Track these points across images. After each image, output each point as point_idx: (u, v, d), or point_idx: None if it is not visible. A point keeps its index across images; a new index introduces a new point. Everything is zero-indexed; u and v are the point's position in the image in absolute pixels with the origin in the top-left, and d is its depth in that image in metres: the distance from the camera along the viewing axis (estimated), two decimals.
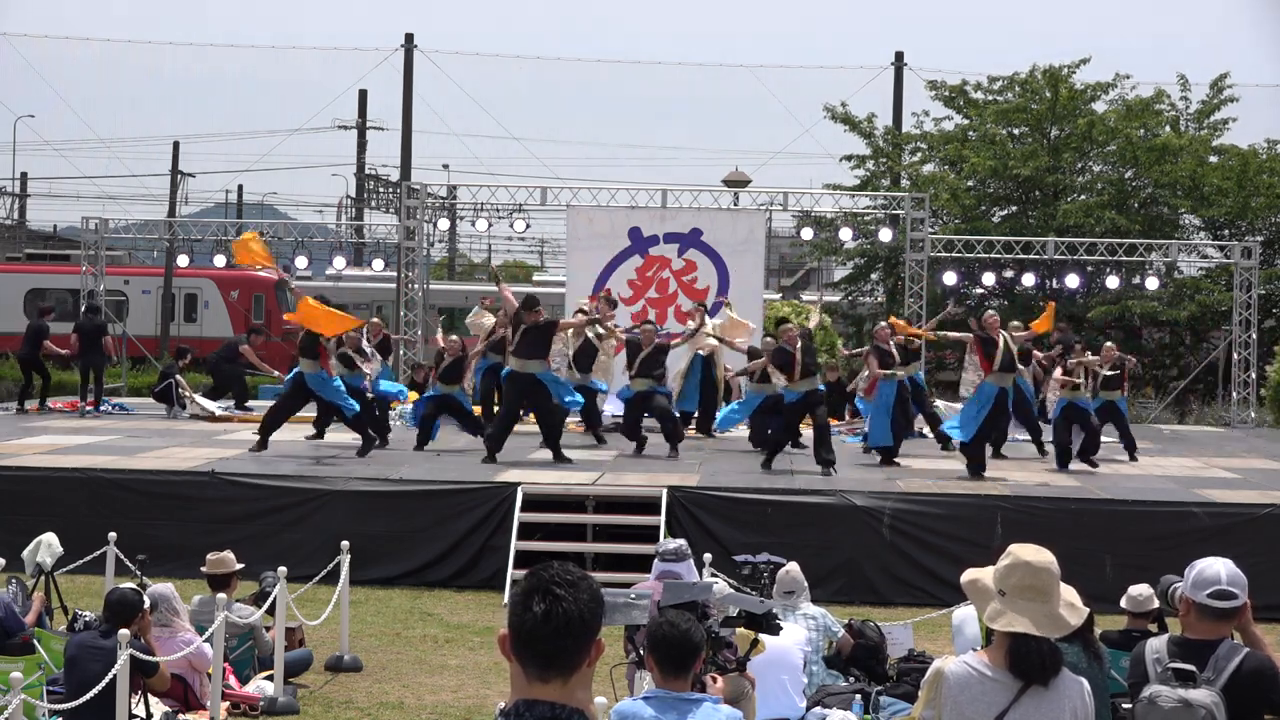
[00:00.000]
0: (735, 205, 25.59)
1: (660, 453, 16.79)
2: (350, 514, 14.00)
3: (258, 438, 16.14)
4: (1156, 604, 9.25)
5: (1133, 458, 17.85)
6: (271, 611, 10.05)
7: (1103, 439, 17.16)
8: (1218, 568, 5.15)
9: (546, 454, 16.53)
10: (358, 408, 16.36)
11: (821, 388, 16.17)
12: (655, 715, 5.40)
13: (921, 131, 34.45)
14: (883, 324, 18.06)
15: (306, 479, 14.66)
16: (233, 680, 9.65)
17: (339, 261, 28.50)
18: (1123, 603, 9.46)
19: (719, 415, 18.97)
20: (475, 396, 18.45)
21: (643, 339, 17.75)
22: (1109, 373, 17.53)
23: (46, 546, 10.70)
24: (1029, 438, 18.08)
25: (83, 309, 23.61)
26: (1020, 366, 16.34)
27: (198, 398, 21.88)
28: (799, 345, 15.68)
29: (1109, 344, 18.54)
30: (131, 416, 21.83)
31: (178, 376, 21.87)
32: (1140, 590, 9.36)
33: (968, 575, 4.64)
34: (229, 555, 10.22)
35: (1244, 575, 5.19)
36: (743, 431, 19.96)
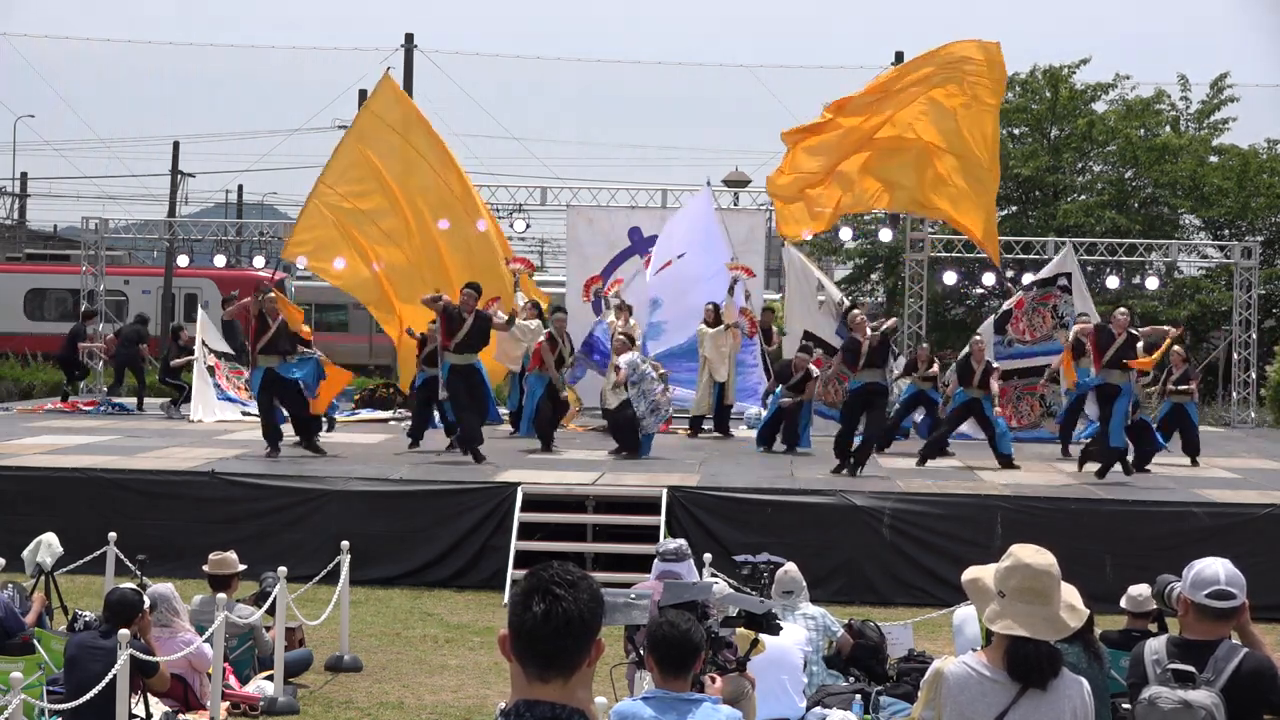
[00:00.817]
0: (735, 205, 25.59)
1: (660, 453, 16.79)
2: (350, 514, 14.00)
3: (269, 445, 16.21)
4: (1154, 605, 9.23)
5: (1194, 462, 17.72)
6: (271, 611, 10.06)
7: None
8: (1216, 568, 5.14)
9: (546, 454, 16.57)
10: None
11: (882, 382, 15.94)
12: (655, 715, 5.40)
13: None
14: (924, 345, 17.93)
15: (306, 479, 14.66)
16: (233, 680, 9.65)
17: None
18: (1122, 603, 9.46)
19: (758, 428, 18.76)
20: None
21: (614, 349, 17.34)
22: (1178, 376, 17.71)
23: (46, 546, 10.71)
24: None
25: (133, 317, 25.37)
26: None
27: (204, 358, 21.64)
28: (869, 336, 15.58)
29: (1177, 348, 18.22)
30: (131, 416, 21.86)
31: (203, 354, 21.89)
32: (1140, 591, 9.35)
33: (969, 574, 4.64)
34: (231, 556, 10.22)
35: (1242, 575, 5.18)
36: (748, 433, 19.98)
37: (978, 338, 17.91)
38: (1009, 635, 4.41)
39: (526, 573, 3.24)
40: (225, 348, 22.26)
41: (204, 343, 21.66)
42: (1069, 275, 20.77)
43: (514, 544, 13.60)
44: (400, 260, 18.90)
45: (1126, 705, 5.75)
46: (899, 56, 38.15)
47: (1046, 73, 33.28)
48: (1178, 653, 5.08)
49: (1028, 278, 21.28)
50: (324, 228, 18.98)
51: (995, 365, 17.64)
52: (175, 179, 47.12)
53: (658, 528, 13.54)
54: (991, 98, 18.44)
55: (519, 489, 14.12)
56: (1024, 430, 19.73)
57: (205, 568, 10.20)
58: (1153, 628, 9.16)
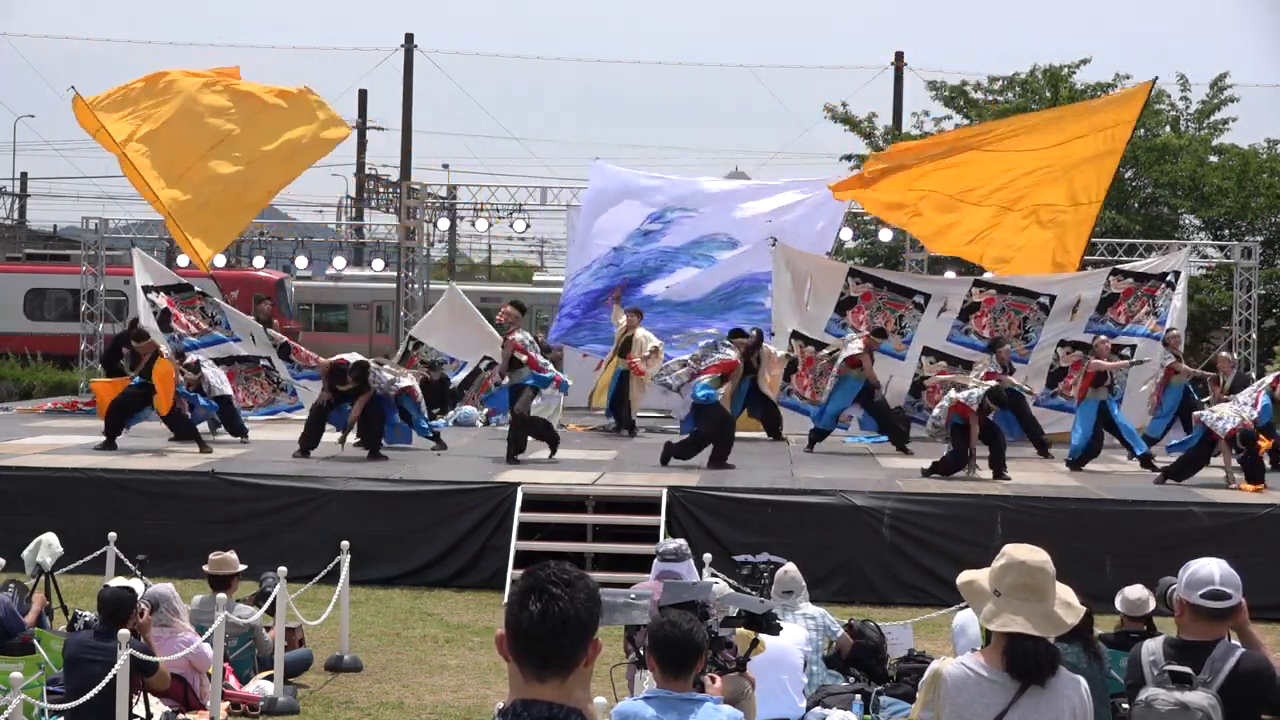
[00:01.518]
0: None
1: (657, 454, 16.74)
2: (350, 514, 14.00)
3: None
4: (1152, 606, 9.20)
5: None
6: (272, 611, 10.06)
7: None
8: (1211, 568, 5.14)
9: (546, 454, 16.52)
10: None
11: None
12: (656, 715, 5.41)
13: (921, 131, 34.44)
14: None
15: (306, 479, 14.67)
16: (233, 680, 9.66)
17: (339, 261, 28.51)
18: (1117, 604, 9.37)
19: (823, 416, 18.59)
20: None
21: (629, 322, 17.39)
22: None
23: (46, 546, 10.71)
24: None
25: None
26: None
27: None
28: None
29: (1225, 354, 17.75)
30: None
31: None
32: (1136, 593, 9.29)
33: (964, 576, 4.64)
34: (232, 556, 10.22)
35: (1237, 575, 5.17)
36: (754, 434, 19.86)
37: (1102, 338, 17.94)
38: (1007, 634, 4.41)
39: (523, 572, 3.25)
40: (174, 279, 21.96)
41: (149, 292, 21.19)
42: (1177, 274, 20.85)
43: (514, 544, 13.60)
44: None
45: (1126, 705, 5.75)
46: (899, 56, 38.33)
47: (1046, 73, 33.26)
48: (1174, 654, 5.08)
49: (1133, 267, 21.28)
50: (198, 218, 19.32)
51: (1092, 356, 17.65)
52: None
53: (658, 528, 13.54)
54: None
55: (519, 489, 14.12)
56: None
57: (205, 568, 10.21)
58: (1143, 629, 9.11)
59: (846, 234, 27.01)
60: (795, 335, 20.16)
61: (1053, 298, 20.34)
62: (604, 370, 20.87)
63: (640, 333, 19.63)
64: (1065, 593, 4.51)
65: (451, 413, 20.91)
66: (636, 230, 22.60)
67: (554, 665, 3.13)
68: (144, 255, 22.46)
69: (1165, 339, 18.52)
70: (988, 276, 21.05)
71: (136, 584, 8.92)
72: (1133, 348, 19.61)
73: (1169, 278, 20.75)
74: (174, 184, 18.73)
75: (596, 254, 21.82)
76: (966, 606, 7.87)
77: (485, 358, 21.25)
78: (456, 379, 21.41)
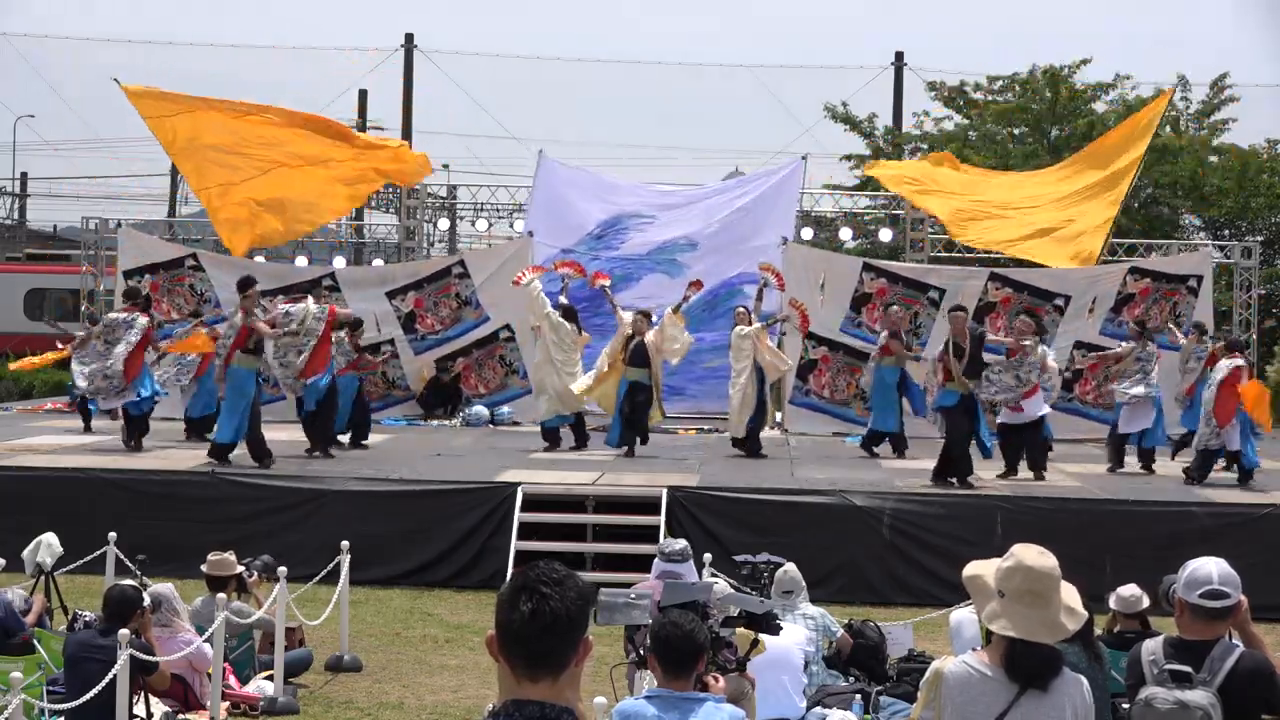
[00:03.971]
0: None
1: (660, 453, 16.78)
2: (350, 514, 14.00)
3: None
4: (1145, 604, 9.23)
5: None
6: (243, 590, 10.21)
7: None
8: (1209, 568, 5.14)
9: (546, 455, 16.53)
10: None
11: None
12: (658, 714, 5.42)
13: (922, 132, 34.45)
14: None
15: (306, 479, 14.67)
16: (233, 680, 9.66)
17: (339, 261, 28.46)
18: (1112, 603, 9.38)
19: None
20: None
21: (635, 327, 16.91)
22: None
23: (46, 546, 10.70)
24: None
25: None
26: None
27: None
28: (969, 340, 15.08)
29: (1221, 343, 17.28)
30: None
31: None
32: (1130, 591, 9.29)
33: (970, 569, 4.61)
34: (230, 558, 10.22)
35: (1236, 574, 5.16)
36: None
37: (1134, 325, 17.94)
38: (1007, 636, 4.40)
39: (513, 573, 3.25)
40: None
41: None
42: (1199, 278, 20.61)
43: (514, 544, 13.60)
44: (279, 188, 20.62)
45: (1127, 705, 5.75)
46: (899, 56, 38.33)
47: (1046, 73, 33.27)
48: (1174, 653, 5.08)
49: (1151, 265, 21.15)
50: (232, 214, 20.36)
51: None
52: (175, 179, 47.10)
53: (658, 528, 13.54)
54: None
55: (519, 489, 14.12)
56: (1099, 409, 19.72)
57: (204, 568, 10.21)
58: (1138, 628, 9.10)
59: (846, 234, 27.00)
60: (810, 335, 19.94)
61: (1068, 299, 20.20)
62: (604, 373, 19.89)
63: (651, 337, 17.76)
64: (1070, 596, 4.48)
65: (461, 413, 20.85)
66: (588, 235, 22.54)
67: (545, 665, 3.13)
68: (132, 232, 22.49)
69: (1213, 349, 17.94)
70: (1004, 270, 20.83)
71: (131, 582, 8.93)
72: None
73: (1190, 282, 20.51)
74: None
75: (546, 254, 21.49)
76: (965, 605, 7.88)
77: (506, 325, 20.75)
78: (471, 335, 20.96)
